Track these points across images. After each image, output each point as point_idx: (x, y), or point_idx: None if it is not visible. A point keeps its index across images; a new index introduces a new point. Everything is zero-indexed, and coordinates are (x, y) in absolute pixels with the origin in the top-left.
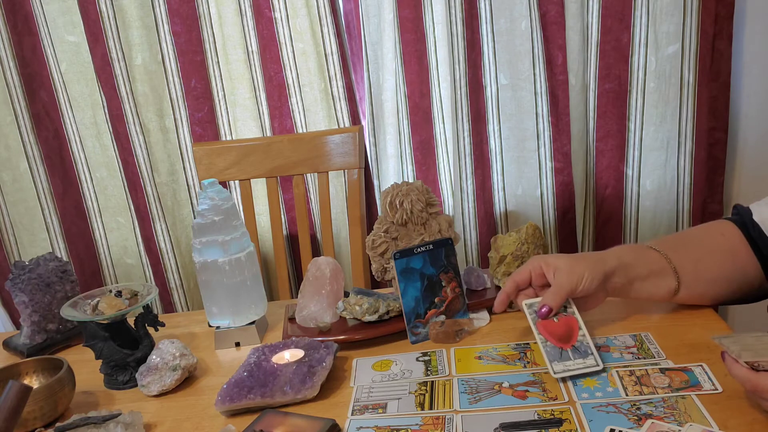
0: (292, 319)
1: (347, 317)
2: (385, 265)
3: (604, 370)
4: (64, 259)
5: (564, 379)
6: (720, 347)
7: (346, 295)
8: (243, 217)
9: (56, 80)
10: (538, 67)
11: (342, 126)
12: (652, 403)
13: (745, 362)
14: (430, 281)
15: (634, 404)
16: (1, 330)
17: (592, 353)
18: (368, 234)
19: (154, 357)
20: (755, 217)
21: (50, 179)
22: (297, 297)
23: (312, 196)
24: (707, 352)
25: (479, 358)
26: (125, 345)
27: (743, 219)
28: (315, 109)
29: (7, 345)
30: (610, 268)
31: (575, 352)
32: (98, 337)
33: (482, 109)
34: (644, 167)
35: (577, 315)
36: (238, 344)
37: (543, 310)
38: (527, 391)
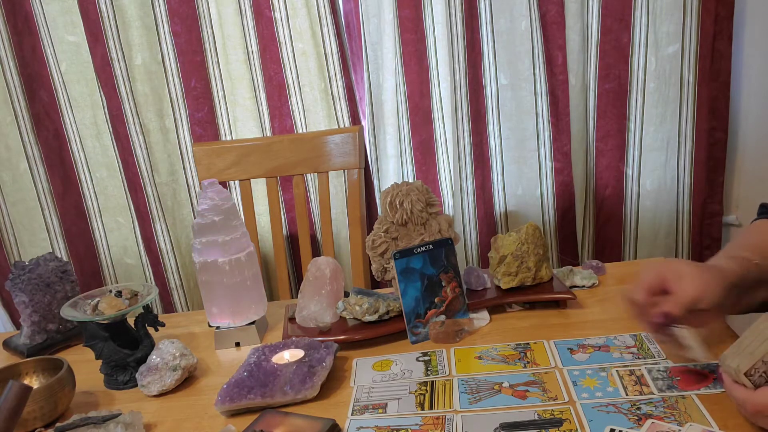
0: (292, 319)
1: (347, 317)
2: (385, 265)
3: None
4: (64, 259)
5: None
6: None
7: (346, 295)
8: (243, 217)
9: (56, 80)
10: (538, 67)
11: (342, 126)
12: (652, 403)
13: (744, 374)
14: (430, 281)
15: (634, 404)
16: (1, 330)
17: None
18: (368, 234)
19: (154, 357)
20: None
21: (50, 179)
22: (297, 297)
23: (312, 196)
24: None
25: (479, 358)
26: (125, 345)
27: None
28: (315, 109)
29: (7, 345)
30: (732, 281)
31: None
32: (98, 337)
33: (482, 109)
34: (644, 167)
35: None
36: (238, 344)
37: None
38: (527, 391)
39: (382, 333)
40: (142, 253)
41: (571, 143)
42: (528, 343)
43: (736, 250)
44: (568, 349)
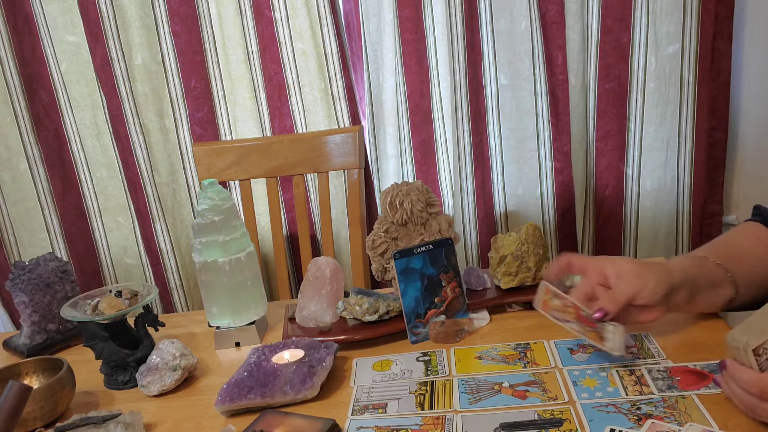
0: (292, 319)
1: (347, 317)
2: (385, 265)
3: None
4: (64, 259)
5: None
6: (724, 353)
7: (346, 295)
8: (243, 217)
9: (56, 80)
10: (538, 67)
11: (342, 126)
12: (652, 403)
13: (753, 350)
14: (430, 281)
15: (634, 404)
16: (1, 330)
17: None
18: (368, 234)
19: (154, 357)
20: None
21: (50, 179)
22: (297, 297)
23: (312, 196)
24: (707, 352)
25: (479, 358)
26: (125, 345)
27: (766, 219)
28: (315, 109)
29: (7, 345)
30: (677, 280)
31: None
32: (98, 337)
33: (482, 109)
34: (644, 167)
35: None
36: (238, 344)
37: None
38: (527, 391)
39: (382, 333)
40: (142, 253)
41: (571, 143)
42: (528, 343)
43: (702, 251)
44: (568, 349)
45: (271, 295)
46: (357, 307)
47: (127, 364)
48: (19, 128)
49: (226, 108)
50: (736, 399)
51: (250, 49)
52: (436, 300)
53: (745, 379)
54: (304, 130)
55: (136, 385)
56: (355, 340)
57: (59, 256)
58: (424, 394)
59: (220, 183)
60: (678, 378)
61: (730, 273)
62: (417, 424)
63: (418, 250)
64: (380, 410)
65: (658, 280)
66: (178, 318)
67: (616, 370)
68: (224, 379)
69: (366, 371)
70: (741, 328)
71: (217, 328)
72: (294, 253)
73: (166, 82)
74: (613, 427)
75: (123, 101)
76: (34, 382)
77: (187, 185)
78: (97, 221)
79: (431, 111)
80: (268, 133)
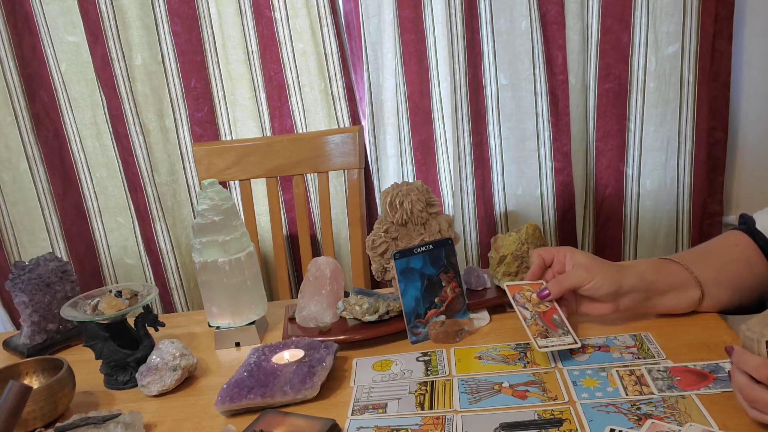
0: (292, 319)
1: (347, 317)
2: (385, 265)
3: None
4: (64, 259)
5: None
6: (724, 354)
7: (346, 295)
8: (243, 217)
9: (56, 80)
10: (538, 67)
11: (342, 126)
12: (652, 403)
13: (766, 342)
14: (430, 281)
15: (634, 404)
16: (1, 330)
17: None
18: (368, 234)
19: (154, 357)
20: (758, 226)
21: (50, 179)
22: (297, 297)
23: (312, 196)
24: (707, 352)
25: (479, 358)
26: (125, 345)
27: (750, 228)
28: (315, 109)
29: (7, 345)
30: (627, 286)
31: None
32: (98, 337)
33: (482, 109)
34: (644, 167)
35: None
36: (238, 344)
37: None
38: (527, 391)
39: (382, 333)
40: (142, 253)
41: (571, 143)
42: (528, 343)
43: (672, 255)
44: (568, 349)
45: (271, 295)
46: (357, 307)
47: (127, 364)
48: (19, 128)
49: (226, 108)
50: (739, 389)
51: (250, 49)
52: (436, 300)
53: (752, 365)
54: (304, 130)
55: (136, 385)
56: (355, 340)
57: (59, 256)
58: (424, 394)
59: (220, 183)
60: (678, 378)
61: (694, 274)
62: (417, 424)
63: (418, 250)
64: (380, 410)
65: (604, 278)
66: (178, 318)
67: (616, 370)
68: (224, 379)
69: (366, 371)
70: (758, 320)
71: (217, 328)
72: (294, 253)
73: (166, 82)
74: (613, 427)
75: (123, 101)
76: (34, 382)
77: (187, 185)
78: (97, 221)
79: (431, 111)
80: (268, 133)
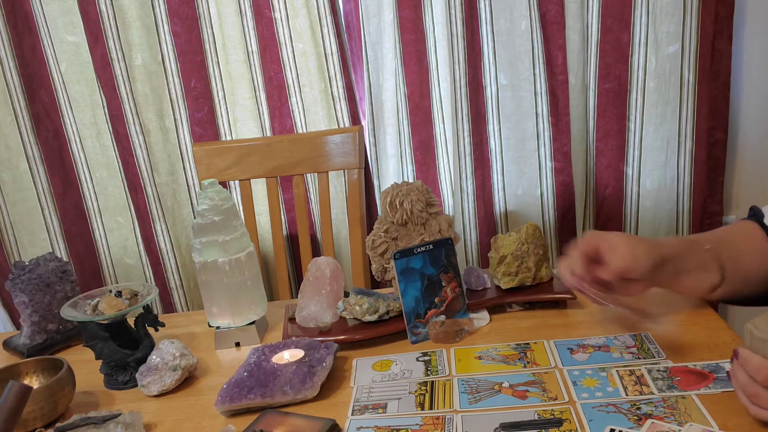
0: (292, 319)
1: (347, 317)
2: (385, 265)
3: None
4: (64, 259)
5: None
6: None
7: (346, 295)
8: (243, 217)
9: (56, 80)
10: (538, 67)
11: (342, 126)
12: (652, 403)
13: None
14: (430, 281)
15: (634, 404)
16: (1, 330)
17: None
18: (368, 234)
19: (154, 357)
20: (766, 220)
21: (50, 179)
22: (297, 297)
23: (312, 196)
24: (707, 352)
25: (479, 358)
26: (125, 345)
27: (759, 219)
28: (315, 109)
29: (7, 345)
30: (667, 253)
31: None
32: (98, 337)
33: (482, 109)
34: (644, 167)
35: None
36: (238, 344)
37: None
38: (527, 391)
39: (382, 333)
40: (142, 253)
41: (571, 143)
42: (528, 343)
43: (694, 236)
44: (568, 349)
45: (271, 295)
46: (357, 307)
47: (127, 364)
48: (19, 128)
49: (226, 108)
50: (741, 389)
51: (250, 49)
52: (436, 300)
53: (755, 366)
54: (304, 130)
55: (136, 385)
56: (355, 340)
57: (59, 256)
58: (424, 394)
59: (220, 183)
60: (678, 378)
61: (720, 259)
62: (417, 424)
63: (418, 250)
64: (380, 410)
65: (647, 253)
66: (178, 318)
67: (616, 370)
68: (224, 379)
69: (366, 371)
70: (765, 318)
71: (217, 328)
72: (294, 253)
73: (166, 82)
74: (613, 427)
75: (123, 101)
76: (34, 382)
77: (187, 185)
78: (97, 221)
79: (431, 111)
80: (268, 133)
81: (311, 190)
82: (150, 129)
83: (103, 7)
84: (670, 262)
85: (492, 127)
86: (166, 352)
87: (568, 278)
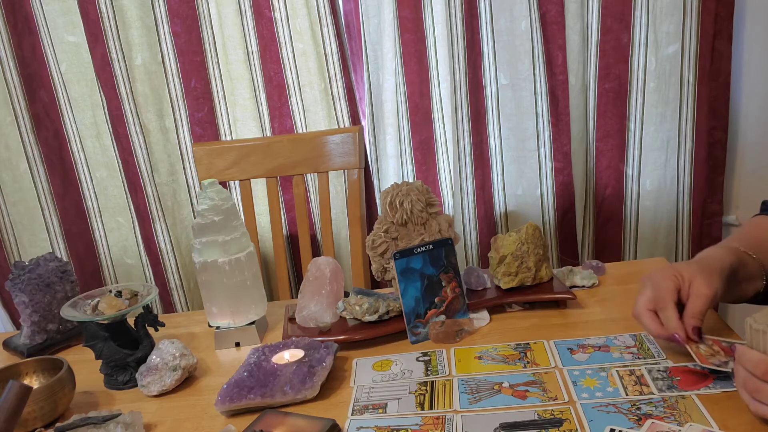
0: (292, 319)
1: (347, 317)
2: (385, 265)
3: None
4: (64, 259)
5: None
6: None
7: (346, 295)
8: (243, 217)
9: (56, 80)
10: (538, 67)
11: (342, 126)
12: (652, 403)
13: None
14: (430, 281)
15: (634, 404)
16: (1, 330)
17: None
18: (368, 234)
19: (154, 357)
20: None
21: (50, 179)
22: (297, 297)
23: (312, 196)
24: None
25: (479, 358)
26: (125, 345)
27: None
28: (315, 109)
29: (7, 345)
30: (729, 272)
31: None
32: (98, 337)
33: (482, 109)
34: (644, 167)
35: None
36: (238, 344)
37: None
38: (527, 391)
39: (382, 333)
40: (142, 253)
41: (571, 143)
42: (528, 343)
43: (732, 243)
44: (568, 349)
45: (271, 295)
46: (357, 307)
47: (127, 364)
48: (19, 128)
49: (226, 108)
50: (742, 385)
51: (250, 49)
52: (436, 300)
53: (755, 360)
54: (304, 130)
55: (136, 385)
56: (355, 340)
57: (59, 256)
58: (424, 394)
59: (220, 183)
60: (678, 378)
61: (765, 266)
62: (417, 424)
63: (418, 250)
64: (380, 410)
65: (719, 277)
66: (178, 318)
67: (616, 370)
68: (224, 379)
69: (366, 371)
70: (764, 313)
71: (217, 328)
72: (294, 253)
73: (166, 82)
74: (613, 427)
75: (123, 101)
76: (34, 382)
77: (187, 185)
78: (97, 221)
79: (431, 111)
80: (268, 133)
81: (311, 190)
82: (150, 129)
83: (103, 7)
84: (729, 281)
85: (492, 127)
86: (166, 352)
87: (670, 337)
